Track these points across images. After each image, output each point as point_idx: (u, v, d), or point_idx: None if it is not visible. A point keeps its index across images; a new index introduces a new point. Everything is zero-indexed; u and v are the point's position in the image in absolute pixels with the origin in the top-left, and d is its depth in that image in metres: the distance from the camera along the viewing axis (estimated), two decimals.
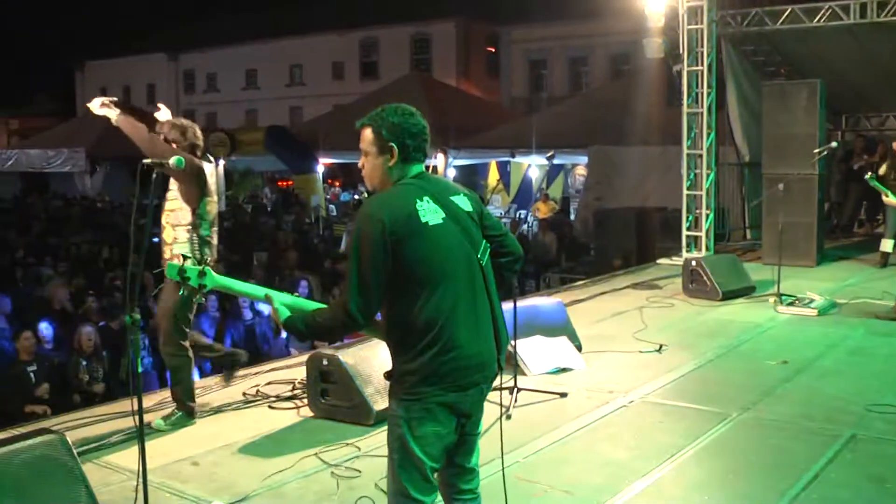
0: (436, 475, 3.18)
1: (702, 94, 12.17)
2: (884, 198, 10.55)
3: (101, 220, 21.63)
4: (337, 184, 32.95)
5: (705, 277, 9.69)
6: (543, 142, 18.98)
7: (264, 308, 3.35)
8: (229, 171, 28.70)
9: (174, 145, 5.55)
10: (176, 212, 5.58)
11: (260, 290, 3.43)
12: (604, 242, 15.06)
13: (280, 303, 3.27)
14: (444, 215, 3.14)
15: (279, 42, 47.04)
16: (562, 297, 9.31)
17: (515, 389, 6.01)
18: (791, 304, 9.03)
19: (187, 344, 5.71)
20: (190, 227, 5.55)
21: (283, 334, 9.81)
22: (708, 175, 12.24)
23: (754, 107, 13.17)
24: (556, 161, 14.62)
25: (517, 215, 22.86)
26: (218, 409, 6.03)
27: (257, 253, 16.22)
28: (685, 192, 12.42)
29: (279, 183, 32.83)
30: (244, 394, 6.35)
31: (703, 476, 4.81)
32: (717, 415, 5.76)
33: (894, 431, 5.38)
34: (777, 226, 9.89)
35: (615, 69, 36.28)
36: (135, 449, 3.70)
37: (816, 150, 10.64)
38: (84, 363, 8.46)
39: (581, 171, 23.45)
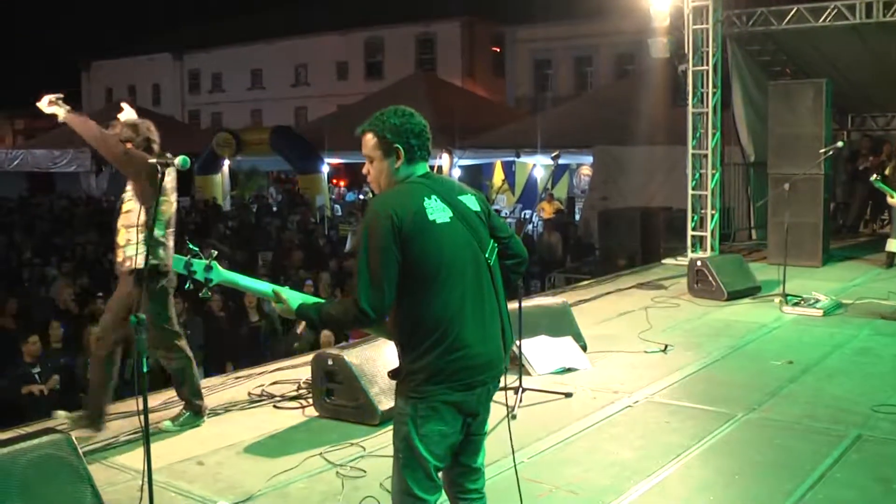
0: (440, 475, 3.19)
1: (707, 93, 12.14)
2: (889, 199, 10.53)
3: (107, 220, 21.69)
4: (342, 183, 32.96)
5: (711, 277, 9.68)
6: (548, 142, 18.98)
7: (276, 306, 3.35)
8: (234, 171, 28.76)
9: (129, 144, 5.43)
10: (130, 213, 5.44)
11: (267, 286, 3.44)
12: (609, 242, 15.04)
13: (289, 295, 3.30)
14: (451, 214, 3.15)
15: (284, 42, 47.08)
16: (567, 297, 9.31)
17: (520, 389, 6.01)
18: (797, 304, 9.01)
19: (182, 343, 5.65)
20: (142, 228, 5.35)
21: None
22: (713, 175, 12.22)
23: (760, 107, 13.14)
24: (561, 161, 14.62)
25: (522, 215, 22.83)
26: (223, 410, 6.03)
27: (262, 253, 16.26)
28: (690, 192, 12.40)
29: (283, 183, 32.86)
30: (249, 394, 6.36)
31: (709, 476, 4.80)
32: (723, 415, 5.75)
33: None
34: (783, 226, 9.86)
35: (620, 69, 36.23)
36: (140, 449, 3.71)
37: (822, 150, 10.61)
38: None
39: (586, 171, 23.42)
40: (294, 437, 5.53)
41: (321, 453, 5.11)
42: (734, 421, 5.65)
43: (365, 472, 4.81)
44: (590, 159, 20.50)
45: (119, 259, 5.47)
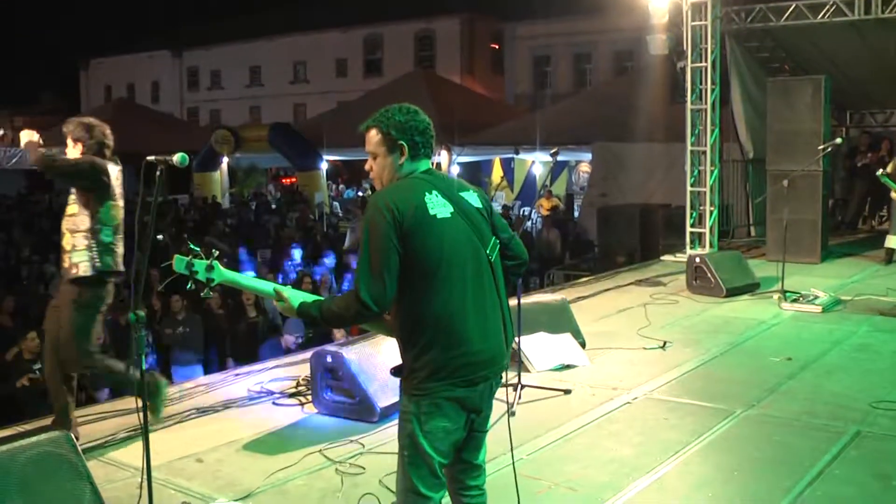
0: (444, 471, 3.19)
1: (706, 90, 12.14)
2: (893, 194, 10.56)
3: None
4: (341, 181, 32.95)
5: (709, 274, 9.69)
6: (547, 138, 18.98)
7: (278, 305, 3.35)
8: (233, 169, 28.75)
9: (79, 143, 5.25)
10: (75, 217, 5.21)
11: (268, 285, 3.44)
12: (608, 239, 15.03)
13: (290, 293, 3.30)
14: (452, 209, 3.15)
15: (283, 39, 47.06)
16: (566, 293, 9.31)
17: (519, 386, 6.02)
18: (795, 300, 9.01)
19: (93, 350, 5.29)
20: (88, 234, 5.15)
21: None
22: (712, 172, 12.22)
23: (758, 103, 13.15)
24: (559, 158, 14.63)
25: (521, 212, 22.84)
26: (222, 407, 6.03)
27: (261, 250, 16.26)
28: (689, 188, 12.40)
29: (283, 180, 32.86)
30: (248, 390, 6.36)
31: (708, 473, 4.81)
32: (722, 411, 5.76)
33: None
34: (781, 222, 9.87)
35: (619, 66, 36.24)
36: (139, 446, 3.71)
37: (821, 147, 10.62)
38: None
39: (585, 167, 23.42)
40: (293, 434, 5.53)
41: (320, 450, 5.11)
42: (733, 417, 5.65)
43: (364, 468, 4.81)
44: (589, 156, 20.51)
45: (65, 265, 5.23)
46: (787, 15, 12.00)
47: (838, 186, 15.56)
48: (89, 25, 61.96)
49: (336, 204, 27.72)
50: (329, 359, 5.78)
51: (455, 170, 21.88)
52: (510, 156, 23.07)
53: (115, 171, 5.30)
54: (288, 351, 9.41)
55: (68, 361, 5.22)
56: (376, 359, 5.80)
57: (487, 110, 27.13)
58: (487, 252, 3.22)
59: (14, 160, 29.14)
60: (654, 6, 11.89)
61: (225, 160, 27.09)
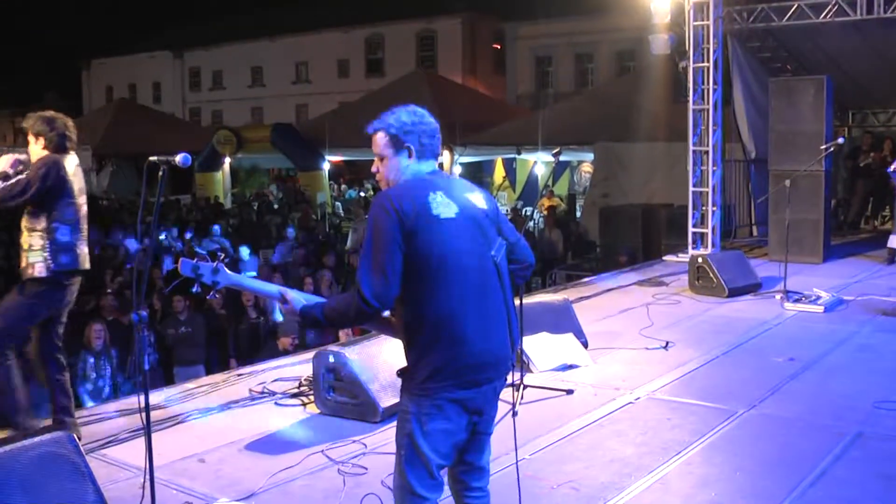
0: (443, 472, 3.18)
1: (708, 90, 12.13)
2: None
3: (107, 217, 21.68)
4: (343, 181, 32.95)
5: (711, 274, 9.68)
6: (549, 138, 18.96)
7: (281, 308, 3.35)
8: (235, 169, 28.77)
9: (41, 138, 5.10)
10: (30, 215, 5.06)
11: (273, 287, 3.44)
12: (610, 239, 15.04)
13: (294, 295, 3.30)
14: (457, 210, 3.14)
15: (285, 39, 47.11)
16: (568, 293, 9.31)
17: (521, 386, 6.01)
18: (798, 300, 9.00)
19: (11, 353, 5.15)
20: (44, 233, 5.02)
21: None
22: (714, 172, 12.21)
23: (761, 103, 13.14)
24: (561, 158, 14.62)
25: (524, 212, 22.83)
26: (225, 407, 6.03)
27: (263, 250, 16.26)
28: (691, 188, 12.39)
29: (286, 180, 32.85)
30: (250, 391, 6.36)
31: (710, 473, 4.80)
32: (724, 412, 5.75)
33: None
34: (784, 222, 9.86)
35: (621, 66, 36.26)
36: (142, 446, 3.70)
37: (823, 147, 10.61)
38: (91, 360, 8.47)
39: (587, 167, 23.42)
40: (295, 434, 5.53)
41: (322, 451, 5.11)
42: (735, 418, 5.65)
43: (366, 469, 4.81)
44: (591, 156, 20.50)
45: (23, 264, 5.08)
46: (789, 15, 11.99)
47: (840, 186, 15.55)
48: (91, 26, 61.98)
49: (338, 204, 27.73)
50: (331, 359, 5.77)
51: (457, 170, 21.87)
52: (512, 156, 23.06)
53: (72, 167, 5.14)
54: (286, 353, 9.41)
55: None
56: (378, 359, 5.80)
57: (489, 110, 27.14)
58: (492, 254, 3.21)
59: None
60: (656, 6, 11.88)
61: (227, 160, 27.11)
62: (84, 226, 5.23)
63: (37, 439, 3.88)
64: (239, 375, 6.91)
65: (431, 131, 3.24)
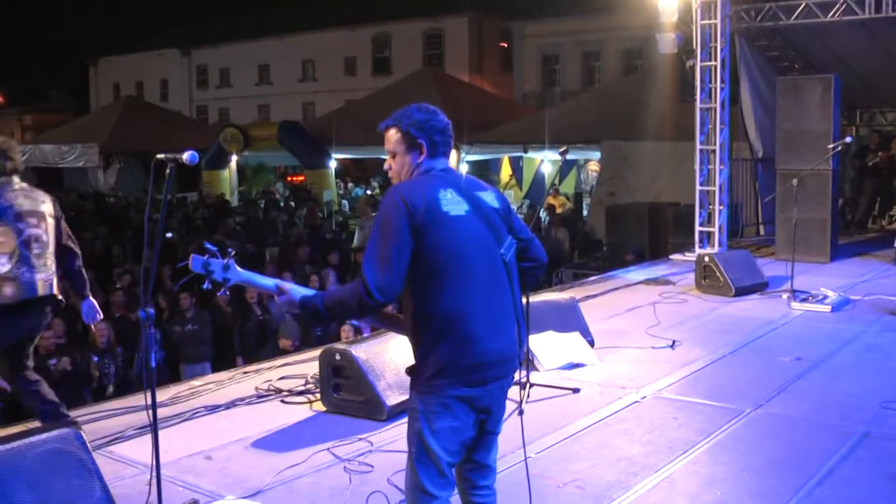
0: (453, 470, 3.18)
1: (715, 89, 12.11)
2: None
3: (115, 215, 21.73)
4: (349, 179, 32.95)
5: (718, 273, 9.67)
6: (556, 137, 18.94)
7: (279, 300, 3.33)
8: (242, 167, 28.80)
9: None
10: None
11: (269, 281, 3.41)
12: (616, 238, 15.02)
13: (291, 287, 3.29)
14: (467, 208, 3.14)
15: (292, 37, 47.15)
16: (574, 292, 9.29)
17: (528, 385, 6.01)
18: (805, 300, 8.99)
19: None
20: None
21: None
22: (721, 170, 12.19)
23: (768, 102, 13.11)
24: (568, 156, 14.63)
25: (530, 211, 22.81)
26: (231, 405, 6.04)
27: (269, 248, 16.27)
28: (698, 187, 12.37)
29: (290, 178, 32.86)
30: (257, 388, 6.37)
31: (716, 472, 4.79)
32: (731, 411, 5.74)
33: None
34: (791, 221, 9.85)
35: (628, 64, 36.20)
36: (148, 443, 3.71)
37: (830, 146, 10.59)
38: (96, 359, 8.47)
39: (594, 166, 23.38)
40: (302, 432, 5.53)
41: (329, 448, 5.12)
42: (742, 417, 5.64)
43: (372, 467, 4.82)
44: (597, 155, 20.46)
45: None
46: (796, 13, 11.96)
47: (848, 185, 15.51)
48: (98, 23, 62.20)
49: (345, 202, 27.74)
50: (338, 357, 5.78)
51: (464, 168, 21.84)
52: (519, 154, 23.03)
53: (6, 193, 4.93)
54: (286, 353, 9.43)
55: None
56: (385, 357, 5.81)
57: (496, 108, 27.10)
58: (502, 252, 3.20)
59: (24, 158, 29.20)
60: (664, 4, 11.87)
61: (234, 158, 27.13)
62: (39, 250, 4.98)
63: (43, 436, 3.89)
64: (245, 373, 6.92)
65: (443, 128, 3.25)
